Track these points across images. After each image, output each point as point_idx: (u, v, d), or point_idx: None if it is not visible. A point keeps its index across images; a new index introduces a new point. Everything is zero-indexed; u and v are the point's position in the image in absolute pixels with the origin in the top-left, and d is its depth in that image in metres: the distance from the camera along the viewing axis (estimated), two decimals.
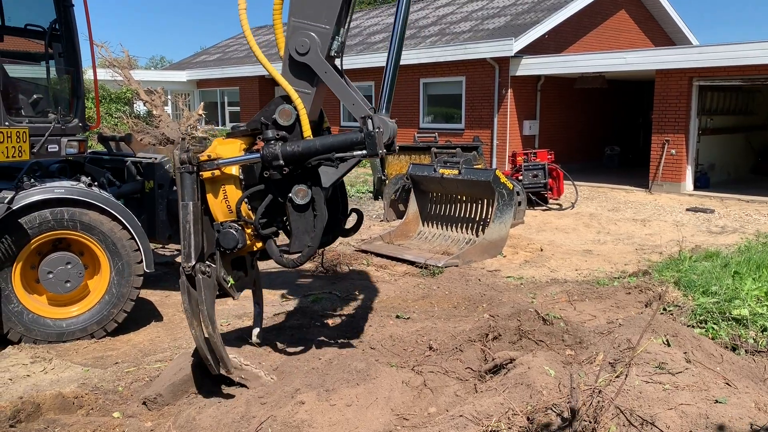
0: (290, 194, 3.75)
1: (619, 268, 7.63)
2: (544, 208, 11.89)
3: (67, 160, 6.06)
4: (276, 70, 3.86)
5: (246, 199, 3.78)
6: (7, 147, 4.78)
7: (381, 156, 3.70)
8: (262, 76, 24.20)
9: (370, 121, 3.66)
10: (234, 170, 3.77)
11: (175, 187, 6.29)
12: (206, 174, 3.70)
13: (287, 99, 3.75)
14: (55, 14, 5.62)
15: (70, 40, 5.68)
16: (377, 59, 19.21)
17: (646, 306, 5.81)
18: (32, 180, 5.00)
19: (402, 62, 17.09)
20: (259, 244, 3.93)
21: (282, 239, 4.04)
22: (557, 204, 12.19)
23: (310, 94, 3.86)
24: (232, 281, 4.09)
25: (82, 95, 5.74)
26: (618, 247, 8.92)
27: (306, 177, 3.75)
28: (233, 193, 3.79)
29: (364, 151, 3.67)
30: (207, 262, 3.82)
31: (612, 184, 14.87)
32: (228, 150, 3.79)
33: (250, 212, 3.83)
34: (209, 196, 3.80)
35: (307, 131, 3.76)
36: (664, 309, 5.49)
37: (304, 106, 3.76)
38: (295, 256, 3.88)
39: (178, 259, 7.77)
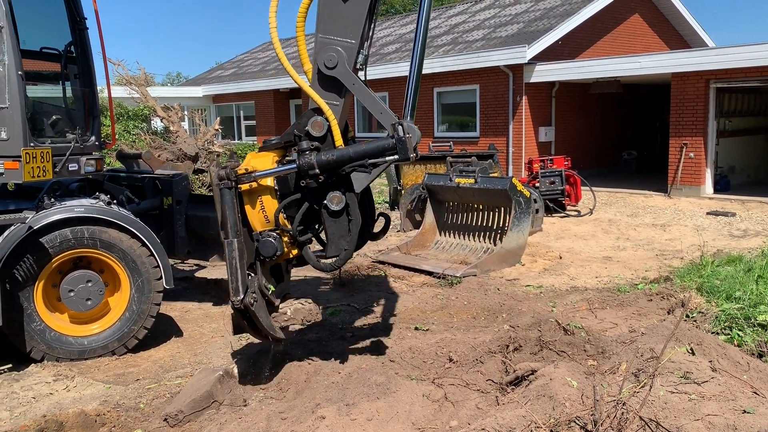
0: (325, 201, 3.90)
1: (640, 275, 7.54)
2: (562, 215, 11.80)
3: (87, 178, 6.14)
4: (306, 83, 4.02)
5: (282, 209, 3.97)
6: (32, 167, 4.86)
7: (412, 159, 3.83)
8: (277, 90, 24.39)
9: (400, 127, 3.84)
10: (269, 181, 3.98)
11: (192, 203, 6.39)
12: (244, 186, 3.91)
13: (318, 111, 3.91)
14: (70, 37, 5.72)
15: (85, 61, 5.77)
16: (390, 70, 19.26)
17: (668, 313, 5.73)
18: (52, 199, 5.07)
19: None
20: (295, 252, 4.13)
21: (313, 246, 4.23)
22: (575, 210, 12.10)
23: (339, 105, 4.00)
24: (272, 288, 4.27)
25: (98, 114, 5.83)
26: (638, 253, 8.82)
27: (339, 184, 3.91)
28: (270, 203, 4.00)
29: (396, 156, 3.84)
30: (248, 272, 4.01)
31: (630, 189, 14.73)
32: (262, 163, 4.01)
33: (286, 221, 4.02)
34: (247, 208, 4.01)
35: (339, 141, 3.92)
36: (687, 316, 5.41)
37: (335, 117, 3.91)
38: (332, 260, 4.02)
39: (198, 274, 7.82)
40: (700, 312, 5.43)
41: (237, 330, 4.38)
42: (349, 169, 3.87)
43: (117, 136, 13.11)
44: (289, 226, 3.98)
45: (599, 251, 8.99)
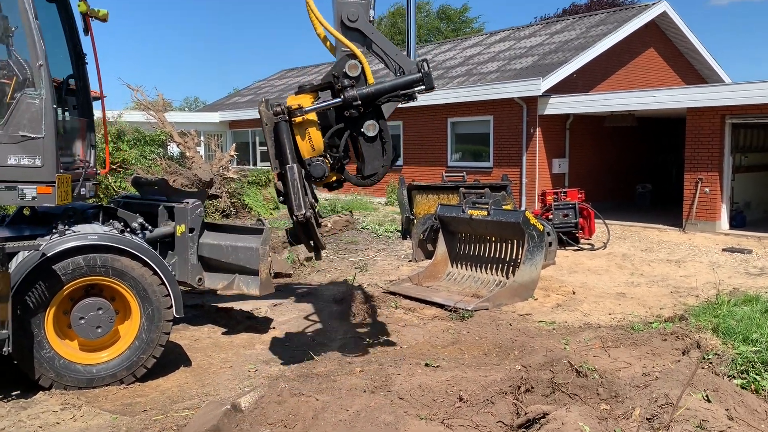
0: (362, 129, 4.66)
1: (654, 312, 7.44)
2: (575, 248, 11.71)
3: (101, 205, 6.20)
4: (339, 34, 4.71)
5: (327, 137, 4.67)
6: (61, 191, 4.96)
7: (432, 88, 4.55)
8: None
9: (425, 63, 4.60)
10: (313, 116, 4.63)
11: (206, 231, 6.41)
12: (298, 119, 4.56)
13: (351, 56, 4.63)
14: (72, 70, 5.87)
15: (85, 93, 5.93)
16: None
17: (683, 354, 5.63)
18: (66, 226, 5.10)
19: (429, 101, 17.50)
20: (334, 177, 4.85)
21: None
22: (589, 244, 12.01)
23: (363, 51, 4.75)
24: (319, 206, 5.14)
25: (95, 143, 6.07)
26: (652, 289, 8.71)
27: (373, 114, 4.65)
28: (315, 133, 4.66)
29: (423, 86, 4.61)
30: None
31: (644, 222, 14.62)
32: (306, 101, 4.66)
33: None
34: (297, 138, 4.62)
35: (371, 78, 4.64)
36: (703, 358, 5.30)
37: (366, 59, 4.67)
38: (369, 178, 4.82)
39: (208, 302, 7.81)
40: (715, 354, 5.32)
41: (294, 241, 5.02)
42: (385, 100, 4.59)
43: (133, 161, 13.26)
44: (328, 154, 4.70)
45: (613, 287, 8.89)
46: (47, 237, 4.95)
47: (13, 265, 4.72)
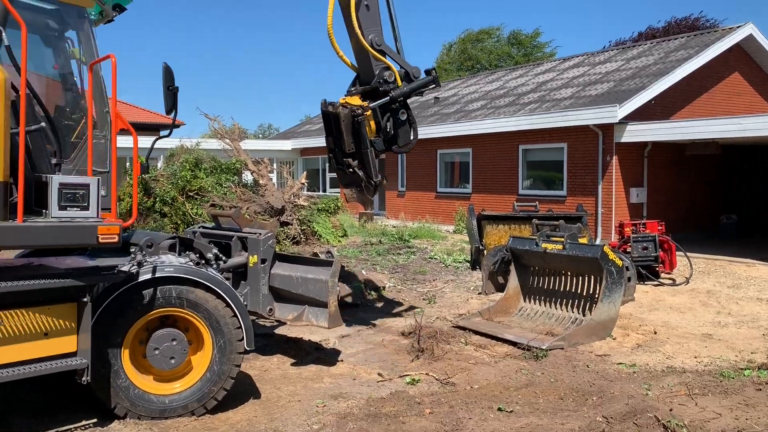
0: (398, 116, 6.51)
1: (745, 357, 6.93)
2: (655, 283, 11.16)
3: (177, 235, 6.35)
4: (376, 53, 6.41)
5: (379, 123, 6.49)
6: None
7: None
8: None
9: (434, 71, 6.51)
10: (369, 112, 6.33)
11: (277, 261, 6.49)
12: (368, 114, 6.28)
13: (386, 68, 6.34)
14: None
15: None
16: (475, 126, 19.27)
17: None
18: (145, 256, 5.23)
19: (501, 129, 17.48)
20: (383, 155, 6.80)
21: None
22: (670, 279, 11.42)
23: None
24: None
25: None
26: (742, 331, 8.14)
27: (404, 105, 6.47)
28: (372, 123, 6.37)
29: (434, 85, 6.63)
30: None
31: (730, 256, 13.82)
32: (357, 101, 6.33)
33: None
34: (367, 129, 6.36)
35: (400, 82, 6.41)
36: None
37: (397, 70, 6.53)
38: (403, 148, 6.75)
39: (278, 331, 7.85)
40: None
41: (367, 205, 7.34)
42: (414, 95, 6.43)
43: (209, 189, 13.64)
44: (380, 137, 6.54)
45: (697, 327, 8.37)
46: (126, 267, 5.08)
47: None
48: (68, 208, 4.38)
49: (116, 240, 4.56)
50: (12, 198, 4.28)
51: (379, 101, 6.16)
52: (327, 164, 27.10)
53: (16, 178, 4.21)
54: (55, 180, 4.41)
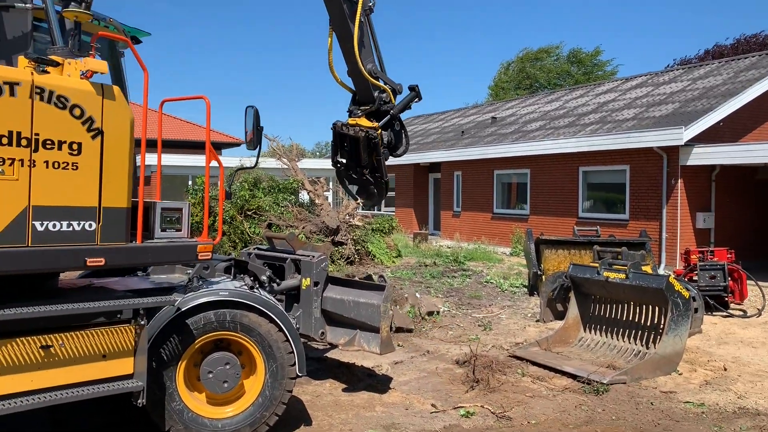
0: (394, 127, 7.14)
1: None
2: (724, 314, 10.61)
3: (233, 258, 6.40)
4: (373, 80, 6.95)
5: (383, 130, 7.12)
6: None
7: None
8: (417, 164, 24.88)
9: (417, 86, 7.20)
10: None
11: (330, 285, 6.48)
12: (378, 133, 6.98)
13: (383, 91, 6.96)
14: None
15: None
16: (533, 147, 18.96)
17: None
18: (200, 279, 5.28)
19: (560, 150, 17.24)
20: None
21: None
22: (740, 310, 10.84)
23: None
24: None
25: None
26: None
27: (395, 118, 7.10)
28: (380, 136, 7.03)
29: (417, 99, 7.22)
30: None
31: None
32: (366, 122, 6.98)
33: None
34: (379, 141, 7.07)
35: (393, 100, 7.04)
36: None
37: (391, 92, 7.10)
38: (399, 153, 7.32)
39: (329, 354, 7.81)
40: None
41: (377, 205, 8.18)
42: (406, 109, 7.19)
43: (267, 208, 13.82)
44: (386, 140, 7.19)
45: None
46: (183, 290, 5.13)
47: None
48: (167, 230, 4.81)
49: (210, 257, 5.00)
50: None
51: (383, 120, 7.04)
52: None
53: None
54: (158, 205, 4.77)
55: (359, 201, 15.75)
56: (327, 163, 30.99)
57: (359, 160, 7.30)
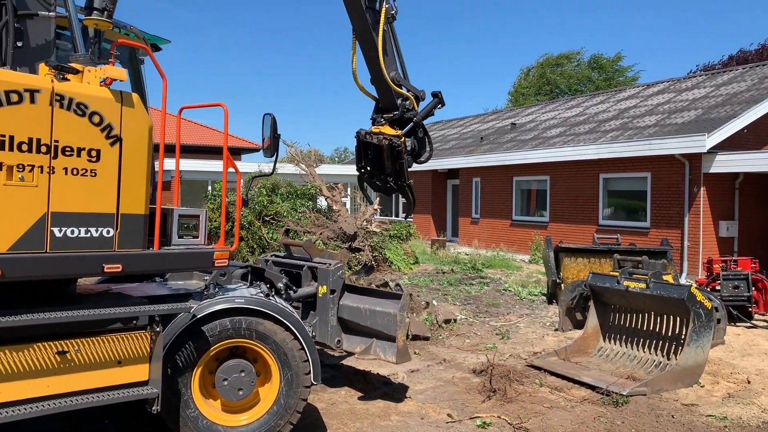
0: (417, 134, 7.18)
1: None
2: (748, 325, 10.40)
3: (250, 265, 6.40)
4: (396, 88, 6.99)
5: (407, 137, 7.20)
6: None
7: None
8: (435, 170, 24.79)
9: (440, 92, 7.21)
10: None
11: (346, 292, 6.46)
12: (403, 140, 7.05)
13: (405, 99, 7.00)
14: None
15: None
16: (553, 154, 18.81)
17: None
18: (216, 286, 5.28)
19: (580, 157, 16.99)
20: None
21: None
22: (765, 321, 10.62)
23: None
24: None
25: None
26: None
27: (420, 125, 7.15)
28: (403, 144, 7.08)
29: (440, 106, 7.24)
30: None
31: None
32: (389, 130, 7.04)
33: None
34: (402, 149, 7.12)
35: (416, 107, 7.08)
36: None
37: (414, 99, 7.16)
38: (424, 160, 7.35)
39: (345, 362, 7.78)
40: None
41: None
42: (429, 116, 7.22)
43: (285, 214, 13.86)
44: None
45: None
46: (199, 297, 5.13)
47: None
48: (184, 237, 4.83)
49: (227, 264, 5.01)
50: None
51: (407, 128, 7.05)
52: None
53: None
54: (176, 212, 4.80)
55: (375, 207, 15.77)
56: (345, 169, 31.01)
57: (383, 167, 7.30)
